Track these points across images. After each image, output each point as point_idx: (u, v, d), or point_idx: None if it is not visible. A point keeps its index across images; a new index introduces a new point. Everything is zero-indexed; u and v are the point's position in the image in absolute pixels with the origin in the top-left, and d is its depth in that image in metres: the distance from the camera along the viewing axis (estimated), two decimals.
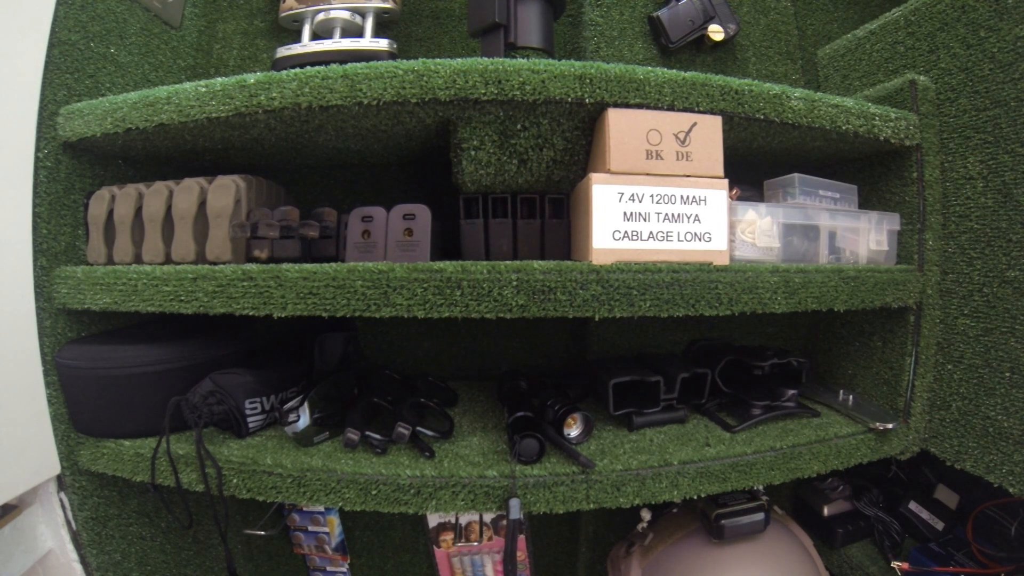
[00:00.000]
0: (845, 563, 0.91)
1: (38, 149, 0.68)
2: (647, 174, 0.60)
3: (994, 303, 0.69)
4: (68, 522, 0.72)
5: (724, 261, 0.62)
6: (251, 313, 0.61)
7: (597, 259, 0.59)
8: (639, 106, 0.60)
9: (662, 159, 0.60)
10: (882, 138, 0.72)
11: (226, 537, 0.69)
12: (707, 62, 0.98)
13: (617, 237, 0.59)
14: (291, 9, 0.92)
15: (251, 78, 0.61)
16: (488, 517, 0.99)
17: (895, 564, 0.83)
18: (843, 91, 0.93)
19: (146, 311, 0.65)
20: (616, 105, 0.60)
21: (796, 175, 0.73)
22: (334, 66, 0.59)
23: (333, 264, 0.59)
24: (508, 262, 0.58)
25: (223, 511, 0.68)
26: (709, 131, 0.61)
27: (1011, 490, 0.67)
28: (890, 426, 0.73)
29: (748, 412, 0.75)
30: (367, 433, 0.67)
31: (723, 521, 0.74)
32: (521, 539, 1.02)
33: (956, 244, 0.74)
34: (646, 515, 0.85)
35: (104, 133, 0.67)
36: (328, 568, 1.08)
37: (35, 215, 0.67)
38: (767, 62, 1.01)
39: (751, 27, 1.00)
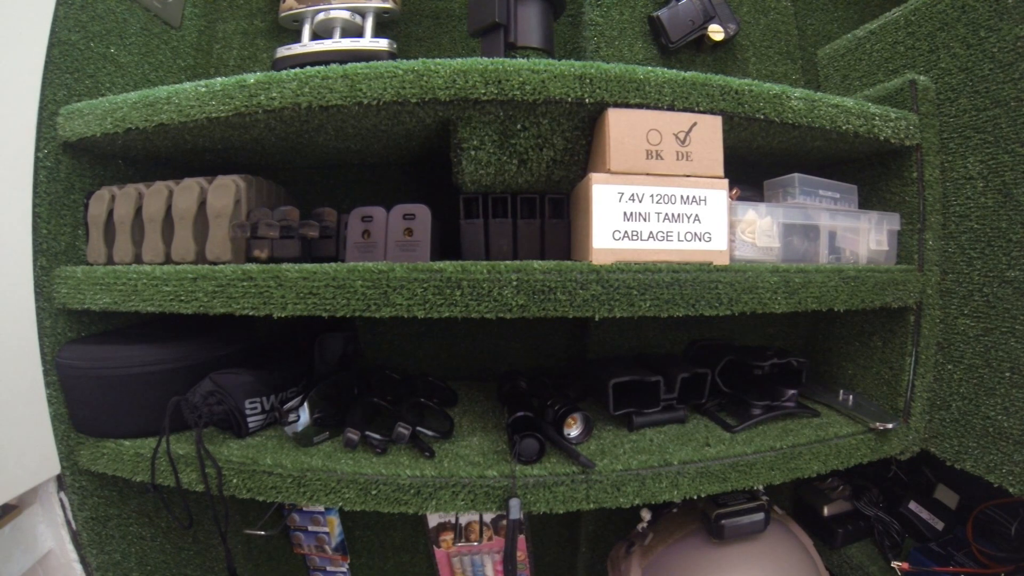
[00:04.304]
0: (845, 563, 0.91)
1: (38, 149, 0.68)
2: (647, 174, 0.60)
3: (994, 303, 0.69)
4: (68, 522, 0.72)
5: (724, 261, 0.62)
6: (251, 313, 0.61)
7: (597, 259, 0.59)
8: (639, 106, 0.60)
9: (662, 159, 0.60)
10: (882, 138, 0.72)
11: (226, 537, 0.69)
12: (707, 62, 0.98)
13: (617, 237, 0.59)
14: (291, 9, 0.92)
15: (251, 78, 0.61)
16: (488, 517, 0.99)
17: (895, 564, 0.83)
18: (843, 91, 0.92)
19: (146, 311, 0.65)
20: (616, 105, 0.60)
21: (796, 175, 0.73)
22: (334, 66, 0.59)
23: (333, 264, 0.59)
24: (508, 262, 0.58)
25: (223, 511, 0.68)
26: (709, 131, 0.61)
27: (1011, 490, 0.67)
28: (890, 426, 0.73)
29: (748, 412, 0.75)
30: (367, 433, 0.67)
31: (723, 521, 0.74)
32: (521, 539, 1.02)
33: (956, 244, 0.74)
34: (646, 515, 0.85)
35: (104, 133, 0.67)
36: (328, 568, 1.08)
37: (35, 215, 0.67)
38: (767, 62, 1.01)
39: (751, 27, 1.00)
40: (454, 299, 0.57)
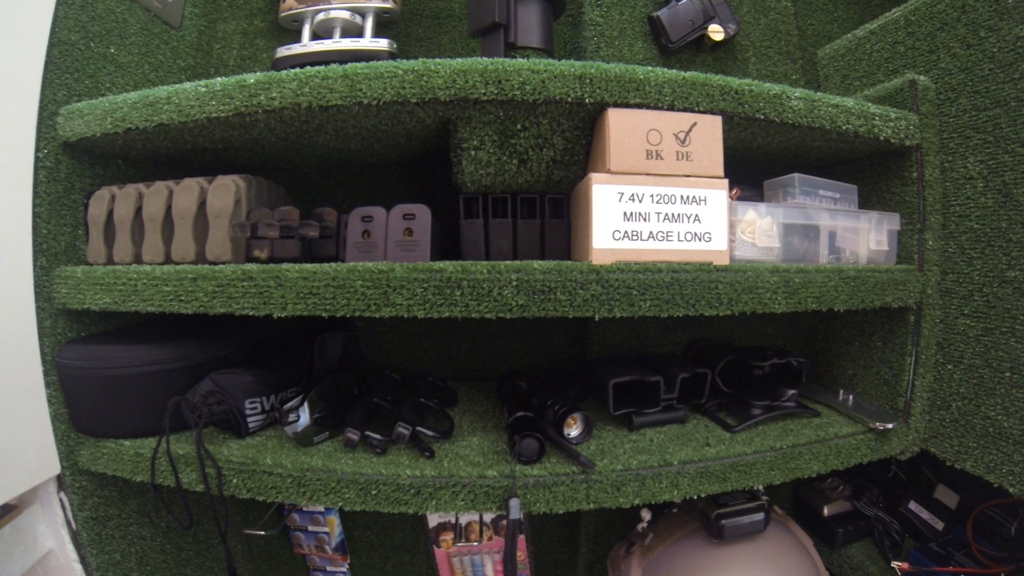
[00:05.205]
0: (845, 563, 0.91)
1: (38, 149, 0.67)
2: (647, 174, 0.60)
3: (994, 303, 0.69)
4: (68, 522, 0.72)
5: (724, 261, 0.62)
6: (251, 313, 0.61)
7: (597, 259, 0.59)
8: (639, 106, 0.60)
9: (662, 159, 0.60)
10: (882, 138, 0.72)
11: (226, 537, 0.69)
12: (707, 62, 0.98)
13: (617, 237, 0.59)
14: (291, 9, 0.92)
15: (251, 78, 0.61)
16: (488, 517, 0.99)
17: (895, 564, 0.83)
18: (843, 91, 0.93)
19: (146, 311, 0.65)
20: (616, 105, 0.60)
21: (796, 175, 0.73)
22: (334, 66, 0.59)
23: (333, 264, 0.59)
24: (508, 262, 0.58)
25: (223, 511, 0.68)
26: (709, 131, 0.61)
27: (1011, 490, 0.67)
28: (890, 426, 0.73)
29: (748, 412, 0.75)
30: (367, 433, 0.67)
31: (723, 521, 0.74)
32: (521, 539, 1.02)
33: (956, 244, 0.74)
34: (646, 515, 0.85)
35: (104, 133, 0.67)
36: (328, 568, 1.08)
37: (35, 215, 0.67)
38: (767, 62, 1.01)
39: (751, 27, 1.00)
40: (454, 299, 0.57)
